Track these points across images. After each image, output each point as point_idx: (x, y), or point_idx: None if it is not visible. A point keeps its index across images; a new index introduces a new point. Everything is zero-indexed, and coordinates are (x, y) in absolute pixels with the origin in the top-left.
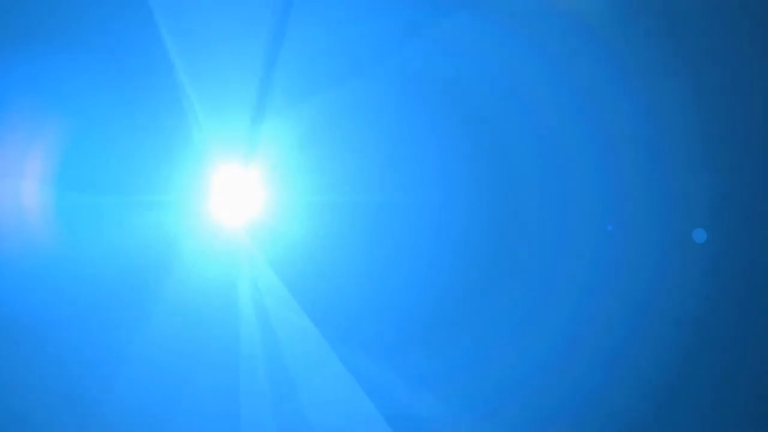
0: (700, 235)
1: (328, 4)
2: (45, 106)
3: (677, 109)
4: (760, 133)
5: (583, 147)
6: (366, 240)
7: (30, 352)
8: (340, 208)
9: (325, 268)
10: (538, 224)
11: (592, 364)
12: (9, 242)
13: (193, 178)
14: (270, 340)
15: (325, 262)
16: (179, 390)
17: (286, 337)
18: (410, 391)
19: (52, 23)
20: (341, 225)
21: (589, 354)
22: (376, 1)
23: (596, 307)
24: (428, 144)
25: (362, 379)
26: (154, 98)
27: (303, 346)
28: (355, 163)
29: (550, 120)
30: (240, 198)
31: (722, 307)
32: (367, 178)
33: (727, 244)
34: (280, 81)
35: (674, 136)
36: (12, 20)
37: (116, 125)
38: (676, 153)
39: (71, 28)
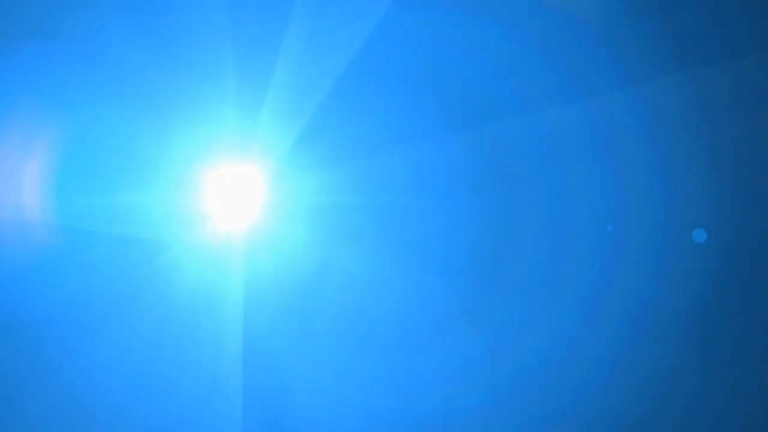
0: (700, 235)
1: (327, 4)
2: (42, 106)
3: (677, 109)
4: (761, 133)
5: (582, 147)
6: (365, 240)
7: (27, 351)
8: (337, 208)
9: (321, 269)
10: (538, 224)
11: (591, 365)
12: (7, 242)
13: (191, 179)
14: (265, 341)
15: (322, 262)
16: (177, 390)
17: (281, 339)
18: (410, 391)
19: (50, 23)
20: (339, 225)
21: (589, 354)
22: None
23: (596, 307)
24: (428, 144)
25: (360, 381)
26: (153, 98)
27: (298, 348)
28: (353, 163)
29: (550, 120)
30: (237, 198)
31: (722, 307)
32: (366, 178)
33: (727, 244)
34: (278, 80)
35: (674, 136)
36: (11, 20)
37: (114, 125)
38: (676, 153)
39: (70, 28)
